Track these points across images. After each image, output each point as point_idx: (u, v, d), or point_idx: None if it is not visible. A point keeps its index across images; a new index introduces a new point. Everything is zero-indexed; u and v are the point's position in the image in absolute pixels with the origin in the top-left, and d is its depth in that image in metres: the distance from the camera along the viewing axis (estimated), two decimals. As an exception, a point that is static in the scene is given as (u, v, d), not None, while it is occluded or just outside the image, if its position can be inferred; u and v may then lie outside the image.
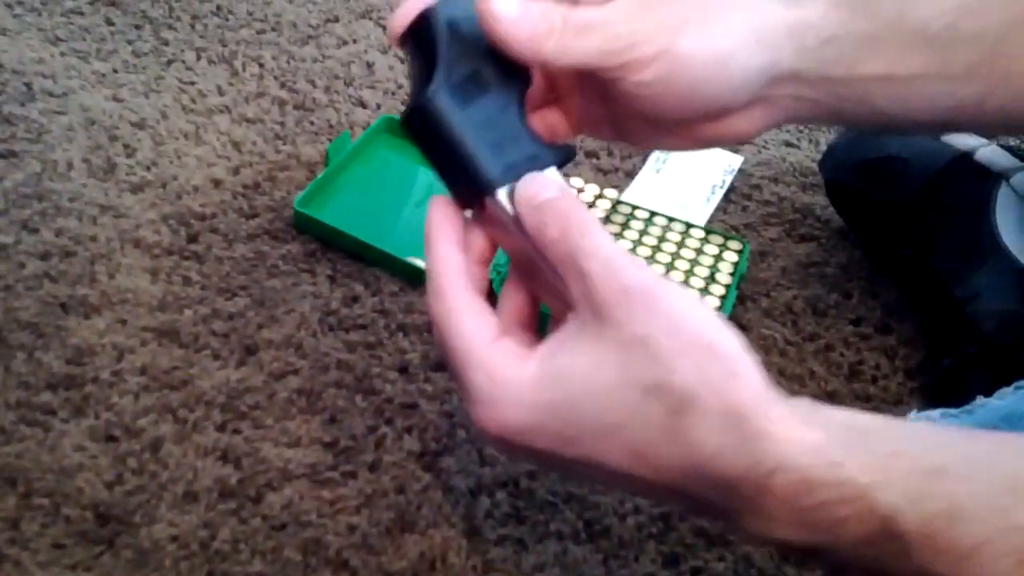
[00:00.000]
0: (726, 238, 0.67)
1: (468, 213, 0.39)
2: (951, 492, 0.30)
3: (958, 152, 0.64)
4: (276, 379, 0.57)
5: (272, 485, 0.51)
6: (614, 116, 0.42)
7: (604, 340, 0.33)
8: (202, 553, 0.48)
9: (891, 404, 0.60)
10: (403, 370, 0.58)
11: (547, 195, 0.35)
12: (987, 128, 0.58)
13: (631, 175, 0.74)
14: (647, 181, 0.74)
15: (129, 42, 0.80)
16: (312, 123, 0.75)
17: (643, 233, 0.67)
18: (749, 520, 0.32)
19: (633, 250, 0.66)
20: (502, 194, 0.36)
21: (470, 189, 0.37)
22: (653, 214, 0.69)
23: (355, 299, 0.62)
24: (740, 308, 0.65)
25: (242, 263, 0.63)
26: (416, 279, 0.63)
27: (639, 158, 0.76)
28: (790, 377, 0.61)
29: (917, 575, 0.30)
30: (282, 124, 0.74)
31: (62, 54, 0.78)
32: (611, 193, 0.70)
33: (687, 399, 0.31)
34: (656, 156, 0.76)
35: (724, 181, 0.74)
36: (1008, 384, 0.52)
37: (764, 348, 0.62)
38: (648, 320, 0.32)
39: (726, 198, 0.73)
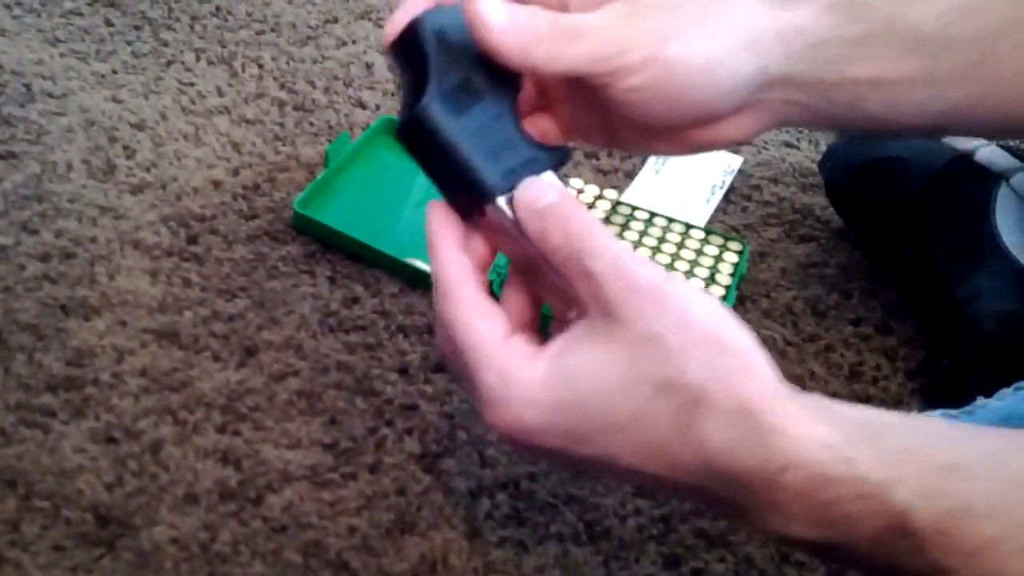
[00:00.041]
0: (726, 239, 0.67)
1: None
2: (964, 489, 0.30)
3: (958, 152, 0.64)
4: (276, 381, 0.57)
5: (272, 487, 0.51)
6: (604, 122, 0.42)
7: (614, 339, 0.33)
8: (202, 555, 0.48)
9: (891, 405, 0.60)
10: (403, 371, 0.58)
11: (547, 200, 0.35)
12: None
13: (631, 176, 0.74)
14: (647, 182, 0.74)
15: (128, 43, 0.80)
16: (312, 124, 0.75)
17: (643, 234, 0.67)
18: (761, 516, 0.32)
19: (633, 251, 0.65)
20: (502, 201, 0.36)
21: (470, 197, 0.37)
22: (653, 215, 0.69)
23: (355, 300, 0.62)
24: (740, 309, 0.65)
25: (242, 264, 0.63)
26: (416, 280, 0.63)
27: (639, 159, 0.76)
28: (790, 378, 0.60)
29: (929, 571, 0.30)
30: (282, 125, 0.74)
31: (61, 55, 0.78)
32: (611, 194, 0.70)
33: (698, 395, 0.32)
34: (656, 157, 0.76)
35: (724, 182, 0.74)
36: (1008, 385, 0.52)
37: (764, 349, 0.62)
38: (657, 317, 0.32)
39: (726, 199, 0.73)
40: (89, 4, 0.84)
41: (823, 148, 0.76)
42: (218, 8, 0.85)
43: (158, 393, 0.55)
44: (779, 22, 0.39)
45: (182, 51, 0.80)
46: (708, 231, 0.68)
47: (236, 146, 0.72)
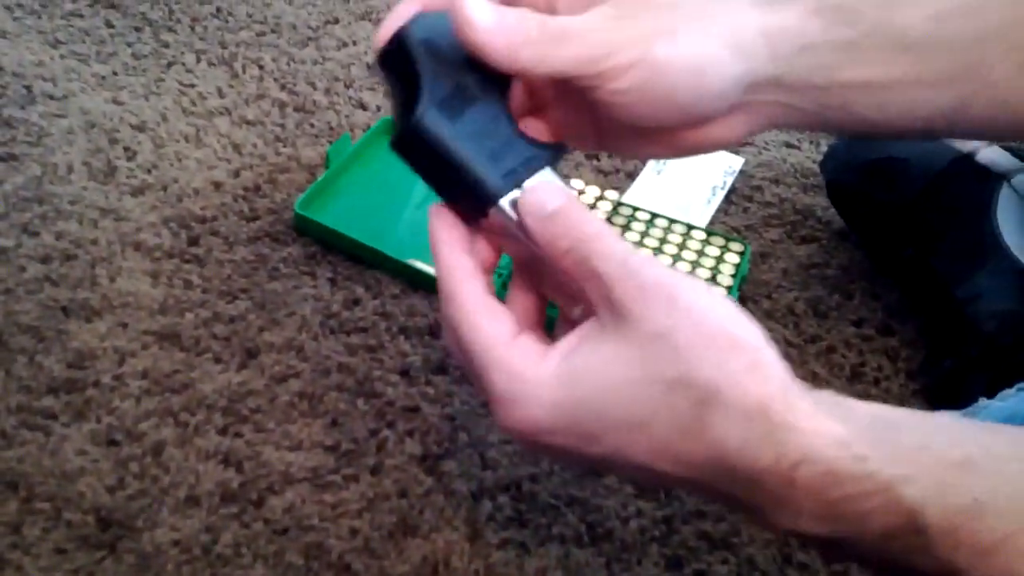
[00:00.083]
0: (727, 240, 0.67)
1: None
2: (975, 487, 0.30)
3: (959, 153, 0.64)
4: (277, 382, 0.57)
5: (274, 489, 0.51)
6: (594, 124, 0.42)
7: (624, 338, 0.33)
8: (204, 557, 0.48)
9: (893, 406, 0.60)
10: (404, 373, 0.58)
11: (553, 205, 0.35)
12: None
13: (632, 177, 0.74)
14: (648, 183, 0.74)
15: (129, 44, 0.80)
16: (312, 125, 0.75)
17: (644, 235, 0.67)
18: (772, 512, 0.32)
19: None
20: (505, 202, 0.36)
21: (473, 202, 0.37)
22: (654, 216, 0.69)
23: (356, 302, 0.62)
24: (741, 310, 0.65)
25: (243, 266, 0.63)
26: (417, 282, 0.63)
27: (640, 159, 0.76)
28: (792, 379, 0.61)
29: (939, 569, 0.30)
30: (282, 126, 0.74)
31: (62, 57, 0.78)
32: (612, 195, 0.70)
33: (710, 392, 0.32)
34: (657, 157, 0.76)
35: (725, 182, 0.74)
36: (1010, 385, 0.52)
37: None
38: (668, 315, 0.32)
39: (727, 199, 0.73)
40: (90, 6, 0.84)
41: (824, 149, 0.76)
42: (219, 9, 0.85)
43: (159, 395, 0.55)
44: (767, 25, 0.39)
45: (183, 52, 0.80)
46: (709, 232, 0.68)
47: (237, 147, 0.72)
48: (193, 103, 0.75)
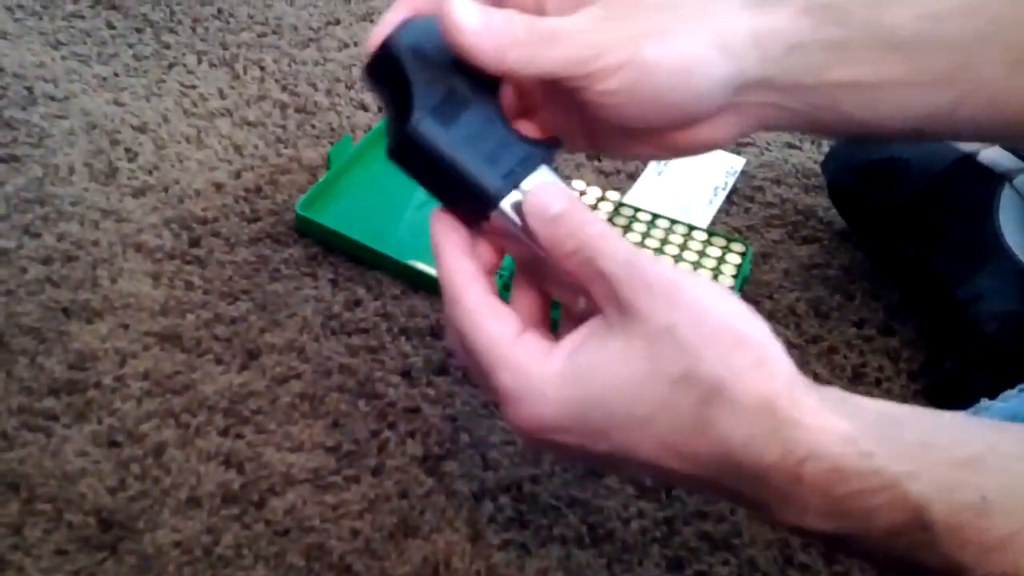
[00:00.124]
0: (729, 240, 0.67)
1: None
2: (981, 484, 0.30)
3: (961, 153, 0.64)
4: (278, 383, 0.57)
5: (275, 490, 0.51)
6: (583, 126, 0.42)
7: (630, 335, 0.33)
8: (205, 559, 0.48)
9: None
10: (406, 374, 0.58)
11: (557, 208, 0.35)
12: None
13: (633, 177, 0.74)
14: (649, 183, 0.73)
15: (130, 46, 0.80)
16: (313, 126, 0.75)
17: (646, 236, 0.67)
18: (779, 509, 0.32)
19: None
20: (506, 204, 0.36)
21: (473, 206, 0.37)
22: (656, 216, 0.68)
23: (357, 303, 0.62)
24: (743, 310, 0.65)
25: (244, 267, 0.63)
26: (418, 282, 0.63)
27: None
28: (793, 379, 0.61)
29: (944, 566, 0.30)
30: (283, 127, 0.74)
31: (63, 58, 0.78)
32: (613, 195, 0.70)
33: (716, 389, 0.32)
34: (658, 158, 0.76)
35: (726, 183, 0.74)
36: (1011, 386, 0.52)
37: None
38: (673, 312, 0.32)
39: (728, 200, 0.73)
40: (91, 7, 0.84)
41: (825, 149, 0.76)
42: (220, 10, 0.85)
43: (160, 396, 0.55)
44: (755, 25, 0.39)
45: (184, 54, 0.80)
46: (711, 232, 0.68)
47: (238, 148, 0.72)
48: (194, 104, 0.75)
